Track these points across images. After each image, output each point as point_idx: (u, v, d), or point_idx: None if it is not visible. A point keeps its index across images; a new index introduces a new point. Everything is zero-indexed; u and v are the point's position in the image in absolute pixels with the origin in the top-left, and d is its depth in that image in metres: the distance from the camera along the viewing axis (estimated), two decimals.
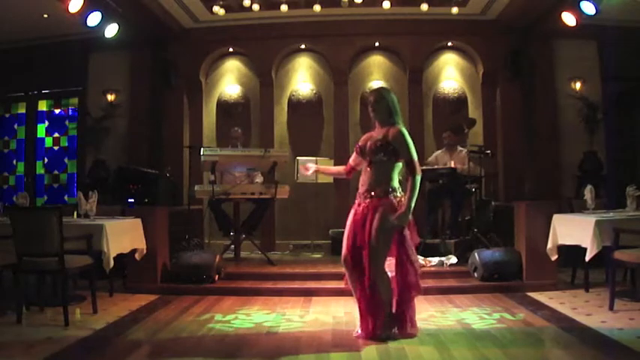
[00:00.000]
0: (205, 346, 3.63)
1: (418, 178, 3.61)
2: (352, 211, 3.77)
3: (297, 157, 6.45)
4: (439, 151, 7.10)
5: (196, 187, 6.50)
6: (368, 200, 3.66)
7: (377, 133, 3.77)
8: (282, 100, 8.52)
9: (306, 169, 4.19)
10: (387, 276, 3.66)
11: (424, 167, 6.64)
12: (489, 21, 7.99)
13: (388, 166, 3.67)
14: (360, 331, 3.74)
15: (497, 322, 4.13)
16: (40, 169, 8.81)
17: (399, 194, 3.66)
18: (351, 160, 3.98)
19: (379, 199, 3.62)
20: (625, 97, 7.92)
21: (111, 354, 3.52)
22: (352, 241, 3.68)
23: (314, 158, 6.37)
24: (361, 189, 3.74)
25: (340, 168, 4.15)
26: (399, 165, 3.70)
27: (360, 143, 3.84)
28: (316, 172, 4.25)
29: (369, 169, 3.72)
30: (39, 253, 4.24)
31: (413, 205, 3.58)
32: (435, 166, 6.70)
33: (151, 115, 8.28)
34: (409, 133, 3.72)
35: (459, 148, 6.79)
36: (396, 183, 3.68)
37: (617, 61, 7.62)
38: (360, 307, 3.72)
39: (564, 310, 4.46)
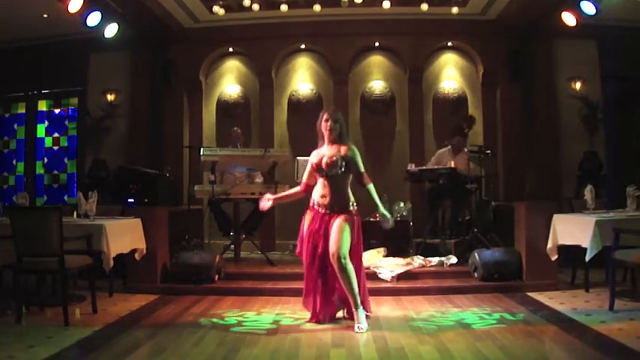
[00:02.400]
0: (205, 346, 3.63)
1: (371, 185, 4.15)
2: (309, 220, 4.12)
3: (297, 157, 6.46)
4: (444, 150, 7.03)
5: (196, 187, 6.51)
6: (329, 212, 4.06)
7: (329, 150, 4.12)
8: (282, 100, 8.52)
9: (264, 204, 4.24)
10: (351, 266, 4.01)
11: (424, 167, 6.70)
12: (489, 21, 7.99)
13: (343, 180, 4.09)
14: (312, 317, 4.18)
15: (497, 323, 4.13)
16: (39, 169, 8.81)
17: (355, 206, 4.12)
18: (306, 179, 4.26)
19: (341, 212, 4.05)
20: (625, 97, 7.92)
21: (111, 354, 3.51)
22: (315, 250, 4.06)
23: None
24: (321, 200, 4.09)
25: (296, 190, 4.36)
26: (350, 177, 4.13)
27: (315, 161, 4.13)
28: (274, 202, 4.26)
29: (325, 182, 4.09)
30: (39, 253, 4.24)
31: (382, 205, 4.15)
32: (435, 166, 6.69)
33: (151, 115, 8.28)
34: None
35: (465, 150, 6.74)
36: (351, 196, 4.14)
37: (617, 61, 7.63)
38: (317, 296, 4.15)
39: (564, 310, 4.46)
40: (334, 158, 4.02)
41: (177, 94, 8.39)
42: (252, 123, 8.47)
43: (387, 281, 5.42)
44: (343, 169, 4.03)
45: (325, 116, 4.16)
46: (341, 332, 3.93)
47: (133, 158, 8.02)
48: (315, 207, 4.12)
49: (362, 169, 4.14)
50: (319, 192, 4.12)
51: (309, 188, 4.24)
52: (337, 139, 4.13)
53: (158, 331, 4.05)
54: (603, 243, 4.46)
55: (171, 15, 7.75)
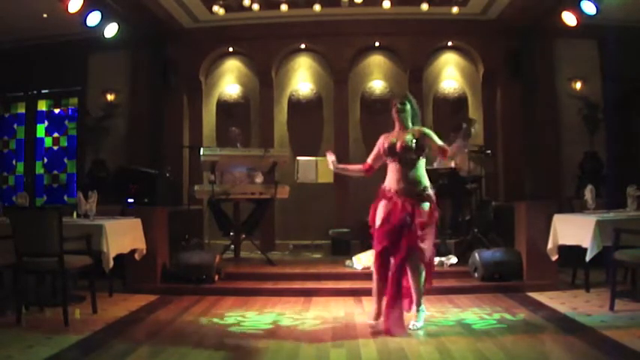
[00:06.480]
0: (205, 346, 3.63)
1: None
2: (386, 206, 3.96)
3: (298, 158, 6.46)
4: None
5: (196, 187, 6.50)
6: (407, 198, 3.93)
7: (400, 135, 4.04)
8: (282, 100, 8.52)
9: (331, 163, 4.28)
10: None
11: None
12: (489, 21, 7.99)
13: (418, 164, 4.01)
14: (384, 324, 3.88)
15: (498, 323, 4.13)
16: (39, 169, 8.81)
17: (429, 191, 4.01)
18: (371, 160, 4.22)
19: (418, 198, 3.95)
20: (625, 97, 7.91)
21: (111, 354, 3.50)
22: (394, 235, 3.89)
23: (314, 158, 6.38)
24: (394, 186, 3.97)
25: (359, 166, 4.34)
26: (424, 161, 4.06)
27: (385, 145, 4.06)
28: (336, 169, 4.32)
29: (399, 167, 3.98)
30: (39, 253, 4.23)
31: None
32: (435, 166, 6.68)
33: (151, 115, 8.27)
34: None
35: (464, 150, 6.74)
36: (426, 181, 4.03)
37: (617, 61, 7.62)
38: (387, 299, 3.91)
39: (564, 310, 4.45)
40: (410, 143, 3.98)
41: (177, 94, 8.39)
42: (252, 123, 8.47)
43: None
44: (417, 154, 3.99)
45: (395, 102, 4.14)
46: (341, 332, 3.92)
47: (133, 158, 8.01)
48: (394, 196, 3.98)
49: (440, 142, 4.08)
50: (392, 178, 4.02)
51: (371, 169, 4.22)
52: (408, 123, 4.08)
53: (158, 331, 4.05)
54: (603, 243, 4.46)
55: (172, 15, 7.74)
